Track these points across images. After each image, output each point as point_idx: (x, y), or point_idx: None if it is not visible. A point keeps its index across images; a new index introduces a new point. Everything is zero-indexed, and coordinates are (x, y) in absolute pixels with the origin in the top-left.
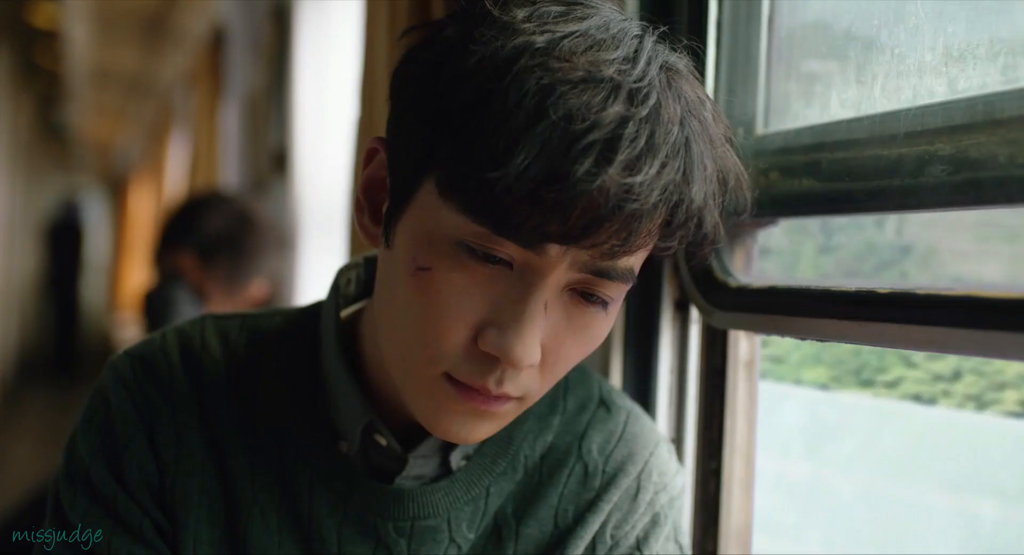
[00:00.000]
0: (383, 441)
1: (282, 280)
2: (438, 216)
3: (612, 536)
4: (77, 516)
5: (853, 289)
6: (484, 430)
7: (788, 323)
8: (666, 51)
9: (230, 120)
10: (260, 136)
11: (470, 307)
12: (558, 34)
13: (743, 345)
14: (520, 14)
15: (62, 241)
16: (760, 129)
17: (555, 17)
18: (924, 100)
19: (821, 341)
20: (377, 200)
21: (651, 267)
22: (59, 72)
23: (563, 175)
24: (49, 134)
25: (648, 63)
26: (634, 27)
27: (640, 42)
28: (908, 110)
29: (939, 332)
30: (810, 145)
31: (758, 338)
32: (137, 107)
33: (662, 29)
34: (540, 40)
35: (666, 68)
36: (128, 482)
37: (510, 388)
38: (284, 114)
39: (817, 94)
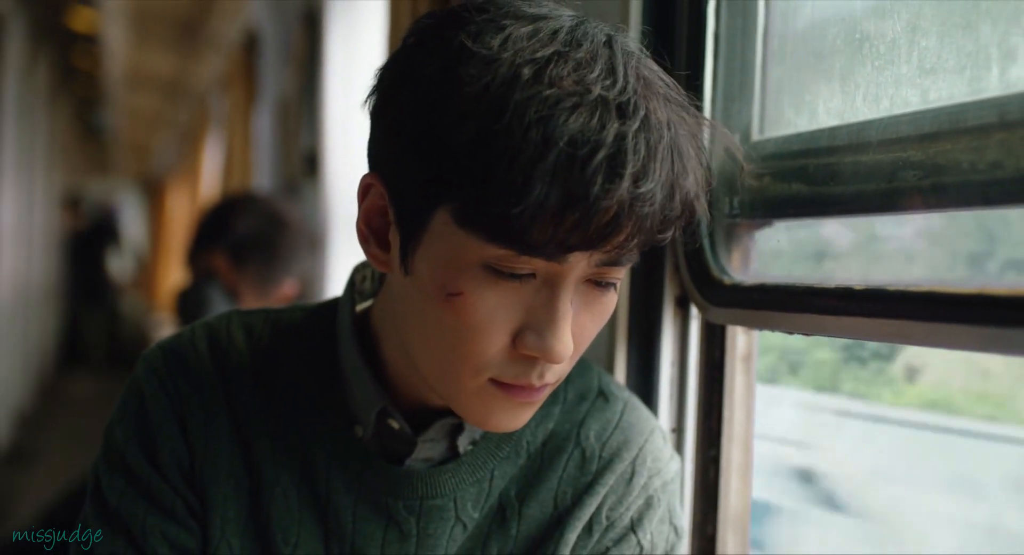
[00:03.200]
0: (395, 425)
1: (313, 279)
2: (459, 244)
3: (607, 517)
4: (114, 497)
5: (832, 286)
6: (527, 415)
7: (776, 318)
8: (625, 43)
9: (263, 123)
10: (292, 139)
11: (505, 319)
12: (539, 60)
13: (741, 340)
14: (495, 43)
15: (94, 246)
16: (756, 136)
17: (528, 40)
18: (900, 109)
19: (806, 335)
20: (380, 229)
21: (654, 266)
22: (97, 75)
23: (581, 196)
24: (87, 136)
25: (625, 72)
26: (598, 33)
27: (610, 50)
28: (883, 119)
29: (906, 325)
30: (798, 151)
31: (756, 333)
32: (173, 110)
33: (618, 26)
34: (526, 72)
35: (636, 67)
36: (161, 465)
37: (550, 378)
38: (315, 117)
39: (806, 102)
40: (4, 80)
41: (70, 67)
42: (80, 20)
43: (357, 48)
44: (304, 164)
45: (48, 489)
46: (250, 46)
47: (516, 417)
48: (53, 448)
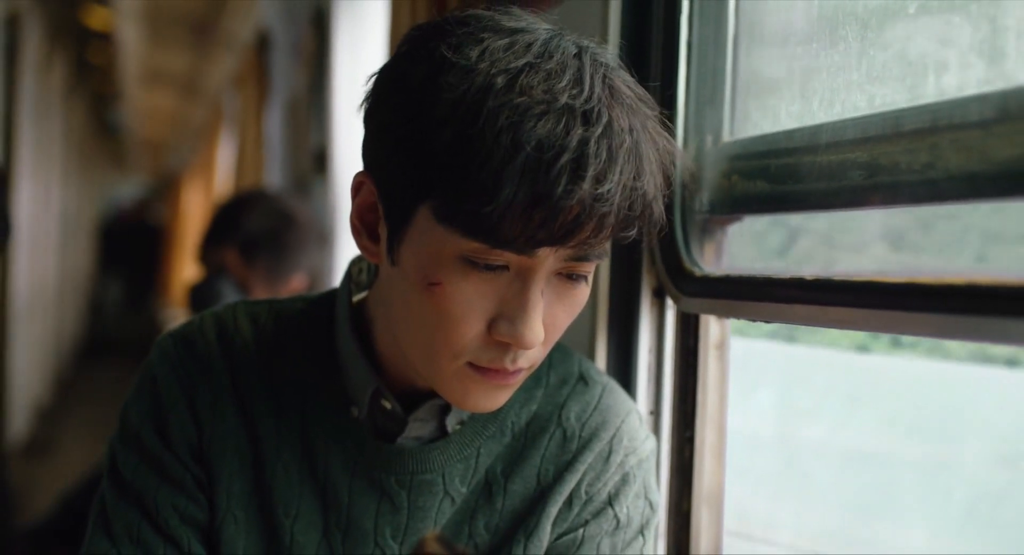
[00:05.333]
0: (388, 405)
1: (320, 274)
2: (439, 238)
3: (586, 492)
4: (129, 471)
5: (787, 277)
6: (503, 397)
7: (741, 307)
8: (596, 53)
9: (274, 122)
10: (301, 137)
11: (480, 307)
12: (512, 70)
13: (714, 329)
14: (473, 54)
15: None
16: (726, 137)
17: (504, 51)
18: (850, 114)
19: (766, 322)
20: (371, 223)
21: (632, 260)
22: (112, 72)
23: (546, 196)
24: (103, 133)
25: (592, 81)
26: (570, 45)
27: (580, 61)
28: (833, 123)
29: (850, 312)
30: (761, 152)
31: (728, 322)
32: (188, 108)
33: (593, 39)
34: (499, 81)
35: (604, 76)
36: (172, 442)
37: (523, 363)
38: (324, 116)
39: (770, 106)
40: (21, 77)
41: (86, 64)
42: (95, 18)
43: (364, 48)
44: (313, 162)
45: (64, 479)
46: (261, 46)
47: (492, 398)
48: (69, 440)
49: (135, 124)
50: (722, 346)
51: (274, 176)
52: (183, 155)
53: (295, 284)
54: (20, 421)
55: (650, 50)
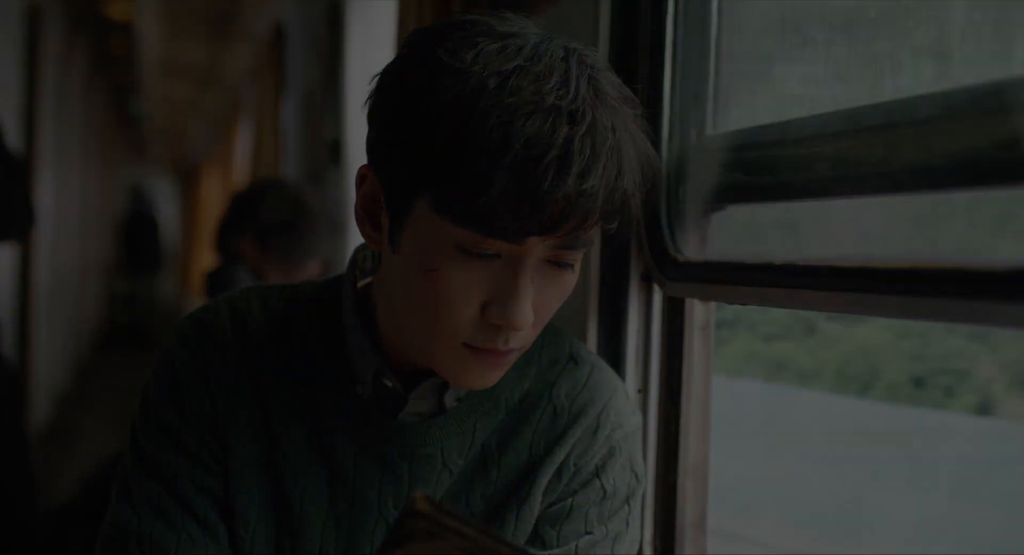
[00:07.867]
0: (389, 383)
1: (334, 261)
2: (435, 227)
3: (575, 464)
4: (150, 445)
5: (759, 262)
6: (497, 376)
7: (718, 291)
8: (583, 55)
9: (290, 113)
10: (316, 128)
11: (475, 292)
12: (503, 72)
13: (699, 312)
14: (468, 57)
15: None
16: (709, 131)
17: (496, 55)
18: (817, 110)
19: (743, 304)
20: (374, 212)
21: (621, 246)
22: (132, 63)
23: (533, 190)
24: (123, 123)
25: (578, 82)
26: (558, 49)
27: (567, 64)
28: (800, 119)
29: (815, 294)
30: (738, 145)
31: (713, 305)
32: (206, 99)
33: (583, 42)
34: (491, 83)
35: (589, 78)
36: (189, 418)
37: (514, 343)
38: (338, 108)
39: (748, 102)
40: (42, 68)
41: (106, 55)
42: (115, 9)
43: (377, 43)
44: (327, 152)
45: (86, 464)
46: (278, 39)
47: (486, 376)
48: (90, 427)
49: (154, 114)
50: (706, 328)
51: (290, 166)
52: (202, 145)
53: (310, 271)
54: (43, 408)
55: (638, 50)
